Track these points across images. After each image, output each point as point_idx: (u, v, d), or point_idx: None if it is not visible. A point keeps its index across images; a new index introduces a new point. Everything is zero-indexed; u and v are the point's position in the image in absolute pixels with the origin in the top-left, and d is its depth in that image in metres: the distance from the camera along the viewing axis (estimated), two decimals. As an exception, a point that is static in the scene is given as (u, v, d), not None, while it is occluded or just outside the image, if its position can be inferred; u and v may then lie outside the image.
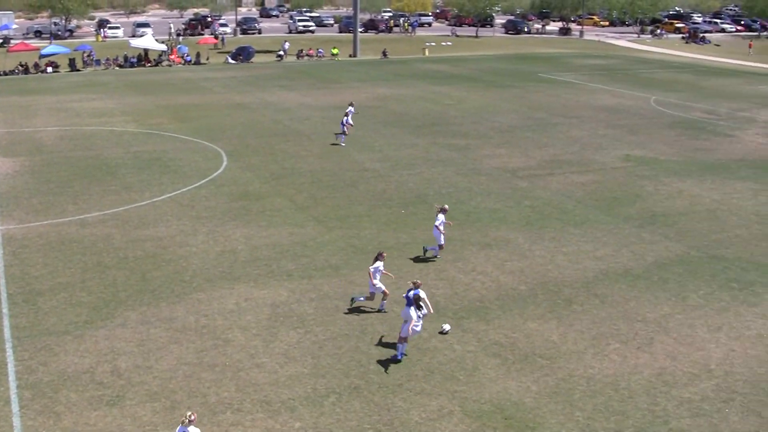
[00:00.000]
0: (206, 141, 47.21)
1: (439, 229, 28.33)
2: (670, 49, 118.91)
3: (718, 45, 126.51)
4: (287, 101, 63.06)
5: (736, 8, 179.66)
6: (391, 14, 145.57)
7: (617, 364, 21.40)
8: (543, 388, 20.10)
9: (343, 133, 47.09)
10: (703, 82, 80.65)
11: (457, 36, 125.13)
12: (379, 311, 24.33)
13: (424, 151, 45.68)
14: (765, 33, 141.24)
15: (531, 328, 23.48)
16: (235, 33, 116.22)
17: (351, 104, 50.46)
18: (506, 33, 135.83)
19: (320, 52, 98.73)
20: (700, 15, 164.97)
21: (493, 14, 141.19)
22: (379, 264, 24.15)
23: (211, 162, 42.19)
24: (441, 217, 28.50)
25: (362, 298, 24.62)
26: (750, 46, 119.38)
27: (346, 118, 47.64)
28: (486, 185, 38.62)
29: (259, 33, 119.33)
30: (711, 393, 20.04)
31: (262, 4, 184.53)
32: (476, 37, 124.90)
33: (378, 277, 24.08)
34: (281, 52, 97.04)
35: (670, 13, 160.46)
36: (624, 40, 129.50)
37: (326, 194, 36.67)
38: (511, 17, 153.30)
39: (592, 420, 18.75)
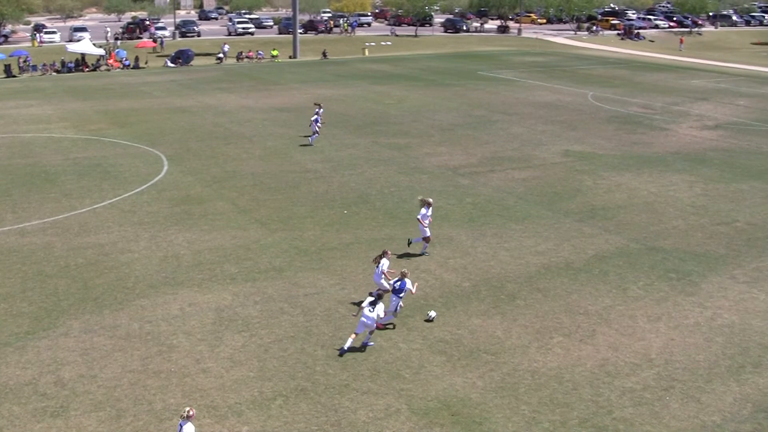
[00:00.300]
0: (147, 146, 46.79)
1: (421, 223, 28.67)
2: (606, 45, 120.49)
3: (652, 41, 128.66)
4: (228, 104, 62.72)
5: (669, 5, 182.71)
6: (330, 15, 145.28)
7: (561, 357, 21.70)
8: (488, 384, 20.29)
9: (315, 132, 47.34)
10: (638, 77, 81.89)
11: (397, 35, 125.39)
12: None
13: (366, 150, 45.79)
14: (696, 29, 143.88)
15: (475, 324, 23.69)
16: (173, 36, 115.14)
17: (319, 105, 49.75)
18: (445, 32, 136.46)
19: (260, 54, 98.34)
20: (634, 12, 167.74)
21: (432, 13, 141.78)
22: (385, 262, 24.36)
23: (152, 167, 41.85)
24: (423, 210, 28.72)
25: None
26: (681, 41, 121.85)
27: (316, 116, 47.62)
28: (428, 183, 38.82)
29: (198, 36, 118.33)
30: (652, 381, 20.42)
31: (201, 6, 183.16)
32: (415, 36, 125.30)
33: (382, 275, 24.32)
34: (221, 55, 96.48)
35: (606, 10, 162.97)
36: (561, 37, 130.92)
37: (268, 196, 36.59)
38: (450, 16, 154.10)
39: (537, 413, 19.00)
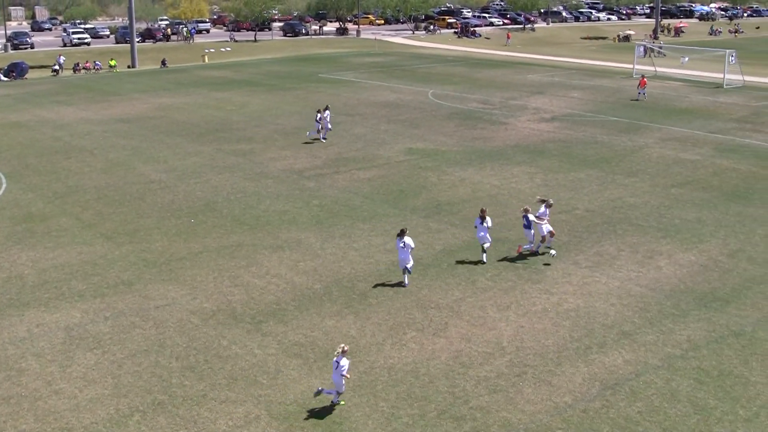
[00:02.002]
0: (-21, 164, 44.99)
1: (537, 223, 29.40)
2: (443, 44, 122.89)
3: (488, 38, 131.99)
4: (66, 117, 60.81)
5: (502, 3, 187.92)
6: (168, 22, 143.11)
7: (416, 352, 22.00)
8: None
9: (319, 131, 49.40)
10: (476, 74, 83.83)
11: (236, 41, 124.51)
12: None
13: (210, 158, 45.25)
14: (529, 25, 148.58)
15: (329, 325, 23.76)
16: (5, 48, 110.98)
17: (326, 107, 51.29)
18: (285, 36, 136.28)
19: (97, 65, 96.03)
20: (469, 10, 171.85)
21: (276, 17, 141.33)
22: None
23: (-13, 185, 40.29)
24: (542, 209, 29.59)
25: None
26: (508, 37, 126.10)
27: (320, 115, 49.25)
28: (274, 188, 38.69)
29: (32, 47, 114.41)
30: (505, 369, 20.96)
31: (33, 17, 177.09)
32: (255, 41, 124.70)
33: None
34: (56, 67, 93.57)
35: (442, 9, 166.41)
36: (399, 37, 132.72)
37: (113, 210, 35.72)
38: (289, 20, 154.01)
39: (396, 408, 19.21)
